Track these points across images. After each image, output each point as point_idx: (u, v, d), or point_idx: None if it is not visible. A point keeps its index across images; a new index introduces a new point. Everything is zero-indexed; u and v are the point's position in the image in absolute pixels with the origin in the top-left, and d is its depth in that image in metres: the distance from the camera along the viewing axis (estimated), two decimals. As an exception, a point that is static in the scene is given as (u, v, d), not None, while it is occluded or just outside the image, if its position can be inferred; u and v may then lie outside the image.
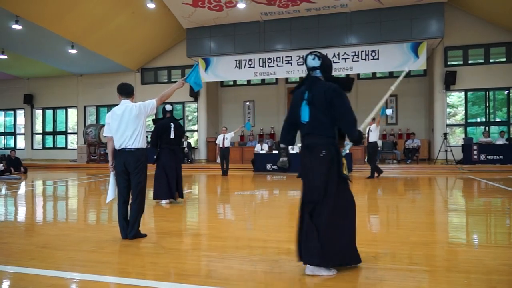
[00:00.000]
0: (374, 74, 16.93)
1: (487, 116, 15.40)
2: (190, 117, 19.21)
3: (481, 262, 3.13)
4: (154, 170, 6.42)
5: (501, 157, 12.74)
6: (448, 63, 15.17)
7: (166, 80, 18.26)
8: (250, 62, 15.28)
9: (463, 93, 15.43)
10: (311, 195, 2.87)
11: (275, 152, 14.23)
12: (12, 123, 21.67)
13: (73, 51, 14.98)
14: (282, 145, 3.20)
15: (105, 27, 14.31)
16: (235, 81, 18.93)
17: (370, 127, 9.90)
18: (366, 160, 10.32)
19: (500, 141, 13.35)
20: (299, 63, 14.77)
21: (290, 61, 14.86)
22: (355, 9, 13.86)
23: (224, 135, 11.72)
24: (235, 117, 18.89)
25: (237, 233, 4.40)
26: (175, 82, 4.49)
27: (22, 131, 21.31)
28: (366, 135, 9.89)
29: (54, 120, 20.81)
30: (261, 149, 14.07)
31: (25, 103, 20.27)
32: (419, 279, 2.77)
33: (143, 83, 18.41)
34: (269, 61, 15.09)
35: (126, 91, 4.12)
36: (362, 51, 14.15)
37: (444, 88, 14.86)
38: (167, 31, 16.35)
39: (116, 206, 4.12)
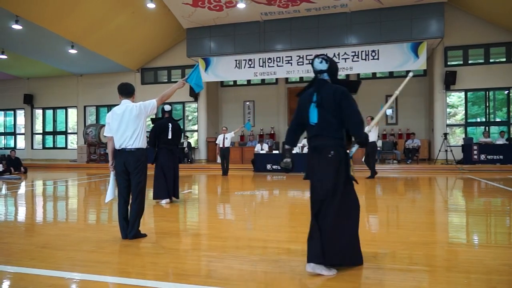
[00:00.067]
0: (374, 74, 16.93)
1: (487, 116, 15.40)
2: (190, 117, 19.21)
3: (481, 262, 3.13)
4: (154, 170, 6.43)
5: (501, 157, 12.74)
6: (448, 63, 15.17)
7: (166, 80, 18.26)
8: (250, 62, 15.28)
9: (463, 93, 15.43)
10: (319, 196, 2.89)
11: (275, 152, 14.24)
12: (12, 123, 21.67)
13: (73, 51, 14.98)
14: (286, 146, 3.22)
15: (105, 27, 14.31)
16: (235, 81, 18.93)
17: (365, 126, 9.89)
18: (363, 160, 10.33)
19: (500, 141, 13.35)
20: (299, 63, 14.77)
21: (290, 61, 14.86)
22: (355, 9, 13.87)
23: (224, 135, 11.72)
24: (235, 117, 18.90)
25: (237, 233, 4.40)
26: (175, 82, 4.49)
27: (22, 131, 21.31)
28: None
29: (54, 120, 20.81)
30: (261, 149, 14.07)
31: (25, 103, 20.28)
32: (419, 279, 2.78)
33: (143, 83, 18.41)
34: (269, 61, 15.09)
35: (126, 91, 4.12)
36: (362, 51, 14.15)
37: (444, 88, 14.86)
38: (167, 31, 16.35)
39: (116, 206, 4.12)
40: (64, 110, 20.57)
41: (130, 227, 3.99)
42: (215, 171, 13.21)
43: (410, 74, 4.04)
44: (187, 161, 16.09)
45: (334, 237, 2.83)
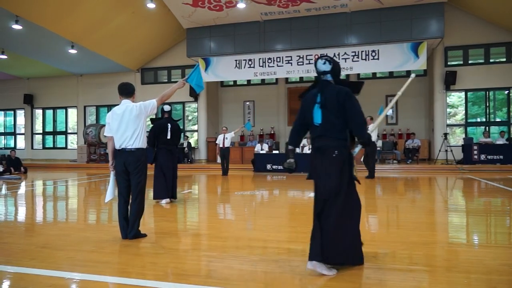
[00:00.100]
0: (374, 74, 16.93)
1: (487, 116, 15.40)
2: (190, 117, 19.21)
3: (481, 262, 3.13)
4: (153, 170, 6.44)
5: (501, 157, 12.74)
6: (448, 63, 15.17)
7: (166, 80, 18.26)
8: (250, 62, 15.28)
9: (463, 93, 15.43)
10: (323, 196, 2.92)
11: (275, 152, 14.24)
12: (12, 123, 21.67)
13: (73, 51, 14.98)
14: (290, 147, 3.24)
15: (105, 27, 14.31)
16: (235, 81, 18.93)
17: (368, 127, 9.89)
18: (362, 160, 10.33)
19: (500, 141, 13.35)
20: (299, 63, 14.77)
21: (290, 61, 14.86)
22: (355, 9, 13.87)
23: (224, 135, 11.72)
24: (235, 117, 18.90)
25: (237, 233, 4.40)
26: (175, 82, 4.49)
27: (22, 131, 21.31)
28: None
29: (54, 120, 20.81)
30: (261, 149, 14.07)
31: (25, 103, 20.27)
32: (419, 279, 2.78)
33: (143, 83, 18.41)
34: (269, 61, 15.09)
35: (126, 91, 4.12)
36: (362, 51, 14.15)
37: (444, 88, 14.86)
38: (167, 31, 16.35)
39: (116, 206, 4.12)
40: (64, 110, 20.57)
41: (130, 227, 3.99)
42: (215, 171, 13.21)
43: (413, 75, 4.10)
44: (187, 161, 16.09)
45: (337, 237, 2.85)
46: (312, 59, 14.58)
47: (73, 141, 20.59)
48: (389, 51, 13.89)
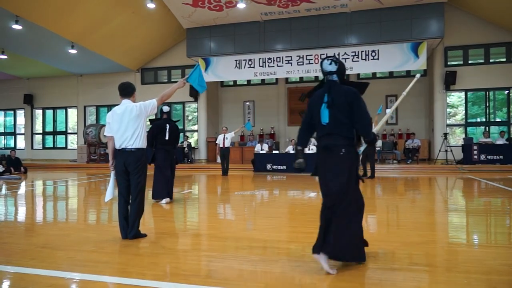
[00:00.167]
0: (374, 74, 16.93)
1: (487, 116, 15.40)
2: (190, 117, 19.21)
3: (481, 262, 3.13)
4: (153, 170, 6.45)
5: (501, 157, 12.74)
6: (448, 63, 15.17)
7: (166, 80, 18.26)
8: (250, 62, 15.28)
9: (463, 93, 15.43)
10: (332, 193, 2.96)
11: (275, 152, 14.24)
12: (12, 123, 21.67)
13: (73, 51, 14.98)
14: (299, 147, 3.28)
15: (105, 27, 14.31)
16: (235, 81, 18.93)
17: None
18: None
19: (500, 141, 13.34)
20: (299, 63, 14.77)
21: (290, 61, 14.86)
22: (355, 9, 13.87)
23: (224, 135, 11.72)
24: (235, 117, 18.90)
25: (237, 233, 4.40)
26: (175, 82, 4.48)
27: (22, 131, 21.31)
28: None
29: (54, 120, 20.81)
30: (261, 149, 14.07)
31: (25, 103, 20.28)
32: (419, 279, 2.78)
33: (143, 83, 18.42)
34: (269, 61, 15.09)
35: (125, 91, 4.12)
36: (362, 51, 14.15)
37: (444, 88, 14.86)
38: (167, 31, 16.36)
39: (116, 206, 4.12)
40: (64, 110, 20.57)
41: (130, 227, 3.99)
42: (215, 171, 13.21)
43: (418, 75, 4.20)
44: (187, 161, 16.09)
45: (343, 234, 2.90)
46: (312, 59, 14.59)
47: (73, 141, 20.60)
48: (389, 51, 13.89)
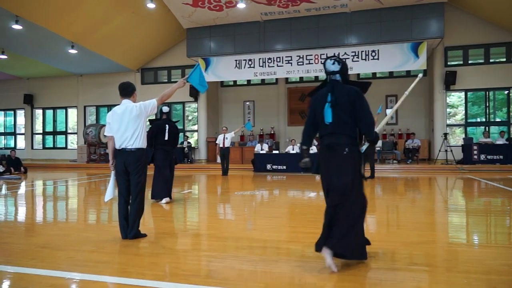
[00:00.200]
0: (374, 74, 16.93)
1: (487, 116, 15.40)
2: (190, 117, 19.21)
3: (481, 262, 3.13)
4: (152, 170, 6.46)
5: (501, 157, 12.74)
6: (448, 63, 15.17)
7: (166, 80, 18.26)
8: (250, 62, 15.28)
9: (463, 93, 15.43)
10: (337, 192, 2.99)
11: (275, 152, 14.25)
12: (12, 123, 21.67)
13: (73, 51, 14.98)
14: (304, 147, 3.31)
15: (105, 27, 14.31)
16: (235, 81, 18.93)
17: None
18: None
19: (500, 141, 13.35)
20: (299, 63, 14.77)
21: (290, 61, 14.86)
22: (355, 9, 13.87)
23: (224, 135, 11.72)
24: (235, 117, 18.90)
25: (237, 233, 4.40)
26: (175, 82, 4.48)
27: (22, 131, 21.31)
28: None
29: (54, 120, 20.81)
30: (261, 149, 14.07)
31: (25, 103, 20.28)
32: (419, 279, 2.78)
33: (143, 83, 18.42)
34: (269, 61, 15.09)
35: (125, 91, 4.12)
36: (362, 51, 14.15)
37: (444, 88, 14.86)
38: (167, 31, 16.36)
39: (116, 206, 4.12)
40: (64, 110, 20.57)
41: (130, 227, 3.99)
42: (215, 171, 13.21)
43: (420, 75, 4.27)
44: (187, 161, 16.09)
45: (349, 232, 2.92)
46: (312, 59, 14.59)
47: (73, 141, 20.60)
48: (389, 51, 13.89)
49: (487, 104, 15.30)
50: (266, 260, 3.27)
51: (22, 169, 13.52)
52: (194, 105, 18.45)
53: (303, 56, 14.70)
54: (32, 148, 20.84)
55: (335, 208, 2.98)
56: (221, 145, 11.73)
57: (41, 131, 20.95)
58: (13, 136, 21.71)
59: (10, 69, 18.61)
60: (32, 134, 20.92)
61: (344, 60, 3.25)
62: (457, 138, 16.29)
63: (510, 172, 11.44)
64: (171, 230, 4.58)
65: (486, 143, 13.19)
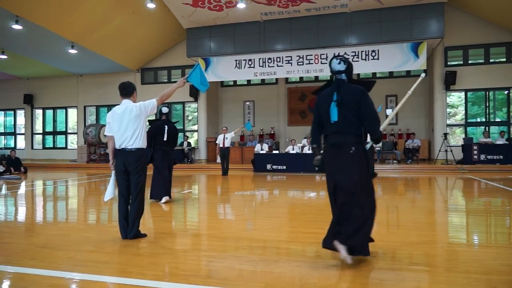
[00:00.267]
0: (374, 74, 16.92)
1: (487, 116, 15.40)
2: (190, 117, 19.21)
3: (481, 262, 3.13)
4: (151, 171, 6.47)
5: (501, 157, 12.74)
6: (448, 63, 15.17)
7: (166, 80, 18.26)
8: (250, 62, 15.28)
9: (463, 93, 15.43)
10: (345, 190, 3.02)
11: (275, 152, 14.24)
12: (12, 123, 21.67)
13: (73, 51, 14.98)
14: (314, 145, 3.35)
15: (105, 27, 14.31)
16: (235, 81, 18.93)
17: None
18: None
19: (500, 141, 13.35)
20: (299, 63, 14.77)
21: (290, 61, 14.86)
22: (355, 9, 13.87)
23: (224, 135, 11.72)
24: (235, 117, 18.90)
25: (237, 233, 4.40)
26: (175, 82, 4.48)
27: (22, 131, 21.31)
28: None
29: (54, 120, 20.81)
30: (261, 149, 14.07)
31: (25, 103, 20.28)
32: (419, 279, 2.78)
33: (143, 83, 18.42)
34: (269, 61, 15.09)
35: (125, 91, 4.12)
36: (362, 51, 14.15)
37: (444, 88, 14.86)
38: (167, 31, 16.35)
39: (116, 206, 4.12)
40: (64, 110, 20.57)
41: (130, 227, 3.99)
42: (215, 171, 13.21)
43: (423, 75, 4.35)
44: (187, 161, 16.09)
45: (359, 230, 2.97)
46: (312, 59, 14.59)
47: (73, 141, 20.60)
48: (389, 51, 13.89)
49: (487, 104, 15.30)
50: (266, 260, 3.27)
51: (22, 169, 13.52)
52: (194, 105, 18.45)
53: (303, 56, 14.70)
54: (32, 148, 20.84)
55: (343, 207, 3.01)
56: (221, 145, 11.73)
57: (41, 131, 20.96)
58: (13, 136, 21.71)
59: (10, 69, 18.61)
60: (32, 134, 20.92)
61: (349, 59, 3.30)
62: (457, 138, 16.29)
63: (510, 172, 11.44)
64: (171, 230, 4.59)
65: (486, 143, 13.19)
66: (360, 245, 2.99)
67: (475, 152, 12.93)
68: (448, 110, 15.71)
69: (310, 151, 12.98)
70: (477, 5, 13.96)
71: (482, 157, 12.88)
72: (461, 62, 15.07)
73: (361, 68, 14.43)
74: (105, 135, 4.32)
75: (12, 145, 21.26)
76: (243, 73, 15.53)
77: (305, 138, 15.24)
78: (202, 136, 17.62)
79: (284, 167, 12.88)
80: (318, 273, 2.91)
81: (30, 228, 4.86)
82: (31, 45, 14.87)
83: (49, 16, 12.56)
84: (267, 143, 15.20)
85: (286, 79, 18.06)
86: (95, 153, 16.80)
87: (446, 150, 13.19)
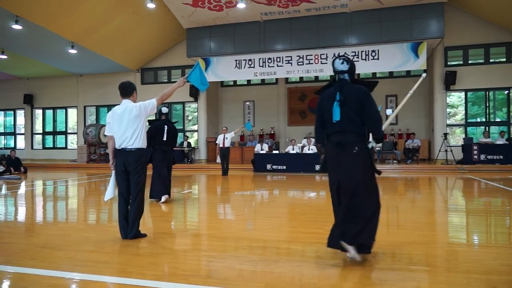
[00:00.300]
0: (374, 74, 16.92)
1: (487, 116, 15.40)
2: (190, 117, 19.21)
3: (481, 262, 3.13)
4: (151, 170, 6.48)
5: (501, 157, 12.74)
6: (448, 63, 15.18)
7: (166, 80, 18.26)
8: (250, 62, 15.28)
9: (463, 93, 15.43)
10: (349, 189, 3.04)
11: (275, 152, 14.24)
12: (12, 123, 21.67)
13: (73, 51, 14.98)
14: (319, 145, 3.40)
15: (105, 27, 14.31)
16: (235, 81, 18.93)
17: None
18: None
19: (500, 141, 13.35)
20: (299, 63, 14.77)
21: (290, 61, 14.86)
22: (355, 9, 13.87)
23: (224, 135, 11.72)
24: (235, 117, 18.91)
25: (237, 233, 4.40)
26: (175, 82, 4.48)
27: (22, 131, 21.31)
28: None
29: (54, 120, 20.81)
30: (261, 149, 14.07)
31: (25, 103, 20.28)
32: (419, 279, 2.77)
33: (143, 83, 18.42)
34: (269, 61, 15.09)
35: (125, 91, 4.12)
36: (362, 51, 14.15)
37: (444, 88, 14.86)
38: (167, 31, 16.35)
39: (116, 206, 4.12)
40: (64, 110, 20.57)
41: (130, 227, 3.98)
42: (215, 171, 13.20)
43: (424, 75, 4.39)
44: (187, 161, 16.08)
45: (363, 229, 3.01)
46: (312, 59, 14.59)
47: (73, 141, 20.60)
48: (389, 51, 13.89)
49: (487, 104, 15.30)
50: (266, 260, 3.27)
51: (22, 169, 13.52)
52: (194, 105, 18.45)
53: (303, 56, 14.70)
54: (32, 148, 20.84)
55: (347, 207, 3.03)
56: (221, 145, 11.73)
57: (41, 131, 20.96)
58: (13, 136, 21.71)
59: (10, 69, 18.61)
60: (32, 134, 20.92)
61: (352, 60, 3.31)
62: (457, 138, 16.29)
63: (510, 172, 11.44)
64: (170, 230, 4.58)
65: (486, 143, 13.19)
66: (367, 242, 3.03)
67: (475, 152, 12.93)
68: (448, 110, 15.71)
69: (310, 151, 12.99)
70: (477, 5, 13.96)
71: (482, 157, 12.88)
72: (461, 62, 15.07)
73: (361, 68, 14.42)
74: (105, 135, 4.32)
75: (12, 145, 21.26)
76: (243, 73, 15.53)
77: (305, 138, 15.23)
78: (202, 136, 17.62)
79: (284, 167, 12.88)
80: (318, 273, 2.91)
81: (30, 228, 4.86)
82: (31, 45, 14.87)
83: (49, 16, 12.57)
84: (267, 143, 15.20)
85: (286, 79, 18.07)
86: (95, 153, 16.80)
87: (446, 150, 13.19)
